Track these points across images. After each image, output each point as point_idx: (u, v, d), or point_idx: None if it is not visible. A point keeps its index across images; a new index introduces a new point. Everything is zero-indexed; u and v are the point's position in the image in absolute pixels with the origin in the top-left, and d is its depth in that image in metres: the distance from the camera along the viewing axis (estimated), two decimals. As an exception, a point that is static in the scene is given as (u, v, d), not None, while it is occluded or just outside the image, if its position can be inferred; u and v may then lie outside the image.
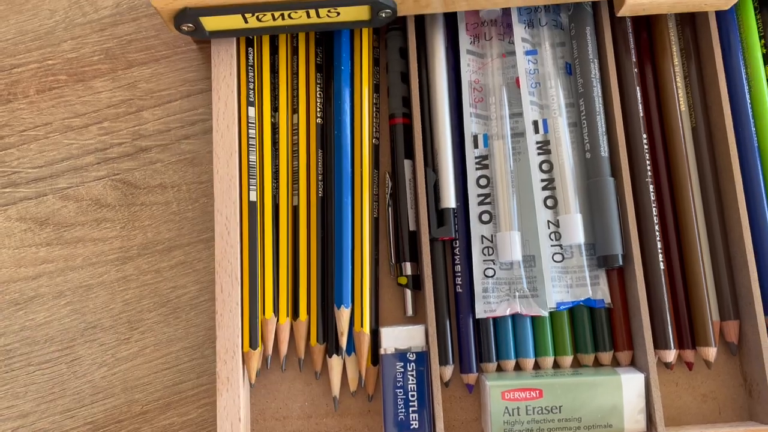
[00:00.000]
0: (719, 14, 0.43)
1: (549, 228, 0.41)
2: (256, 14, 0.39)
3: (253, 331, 0.39)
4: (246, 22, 0.40)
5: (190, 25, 0.40)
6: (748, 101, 0.42)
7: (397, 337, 0.40)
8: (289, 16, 0.40)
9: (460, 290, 0.41)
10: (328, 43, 0.45)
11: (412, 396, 0.39)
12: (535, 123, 0.42)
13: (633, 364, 0.41)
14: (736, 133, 0.42)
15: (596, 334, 0.41)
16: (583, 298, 0.40)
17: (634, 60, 0.43)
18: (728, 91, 0.43)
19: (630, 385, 0.38)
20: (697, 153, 0.43)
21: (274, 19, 0.40)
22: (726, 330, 0.41)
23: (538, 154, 0.42)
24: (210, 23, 0.40)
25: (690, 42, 0.44)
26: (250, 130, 0.42)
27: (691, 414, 0.41)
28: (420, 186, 0.41)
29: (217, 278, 0.39)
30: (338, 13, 0.40)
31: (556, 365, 0.41)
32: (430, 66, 0.43)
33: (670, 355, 0.40)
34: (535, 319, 0.41)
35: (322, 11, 0.40)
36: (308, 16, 0.40)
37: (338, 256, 0.41)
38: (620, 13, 0.40)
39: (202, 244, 0.44)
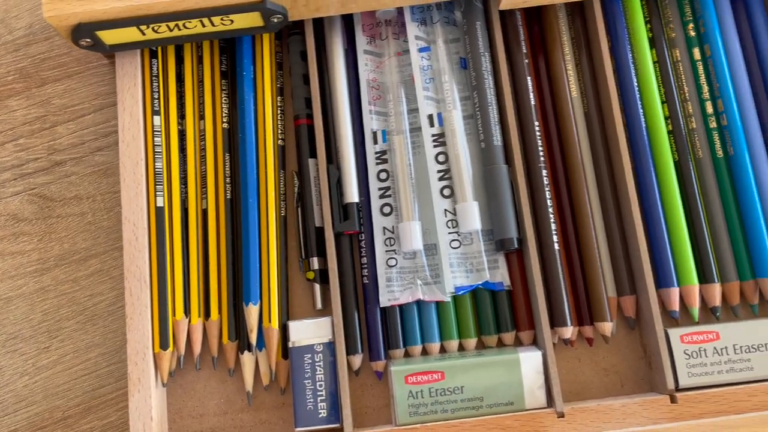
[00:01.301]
0: (606, 2, 0.45)
1: (446, 216, 0.42)
2: (151, 26, 0.41)
3: (163, 333, 0.41)
4: (143, 34, 0.42)
5: (88, 40, 0.41)
6: (635, 84, 0.44)
7: (305, 331, 0.41)
8: (184, 26, 0.41)
9: (366, 281, 0.43)
10: (233, 51, 0.46)
11: (321, 386, 0.40)
12: (430, 117, 0.44)
13: (535, 342, 0.42)
14: (626, 116, 0.44)
15: (498, 316, 0.42)
16: (481, 282, 0.42)
17: (525, 51, 0.45)
18: (617, 75, 0.44)
19: (528, 362, 0.40)
20: (591, 137, 0.44)
21: (170, 29, 0.41)
22: (624, 305, 0.42)
23: (434, 146, 0.43)
24: (108, 37, 0.42)
25: (580, 31, 0.46)
26: (155, 139, 0.43)
27: (594, 388, 0.42)
28: (323, 183, 0.42)
29: (126, 283, 0.40)
30: (232, 21, 0.42)
31: (461, 348, 0.42)
32: (330, 67, 0.45)
33: (568, 331, 0.41)
34: (439, 305, 0.42)
35: (216, 19, 0.41)
36: (203, 25, 0.42)
37: (245, 255, 0.42)
38: (502, 7, 0.42)
39: (117, 251, 0.45)
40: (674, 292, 0.41)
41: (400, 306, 0.42)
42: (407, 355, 0.42)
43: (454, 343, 0.42)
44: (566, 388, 0.42)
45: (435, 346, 0.42)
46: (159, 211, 0.42)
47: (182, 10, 0.40)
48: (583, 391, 0.42)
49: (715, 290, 0.41)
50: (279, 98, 0.46)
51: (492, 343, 0.42)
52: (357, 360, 0.42)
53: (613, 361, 0.43)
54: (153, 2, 0.39)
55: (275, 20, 0.42)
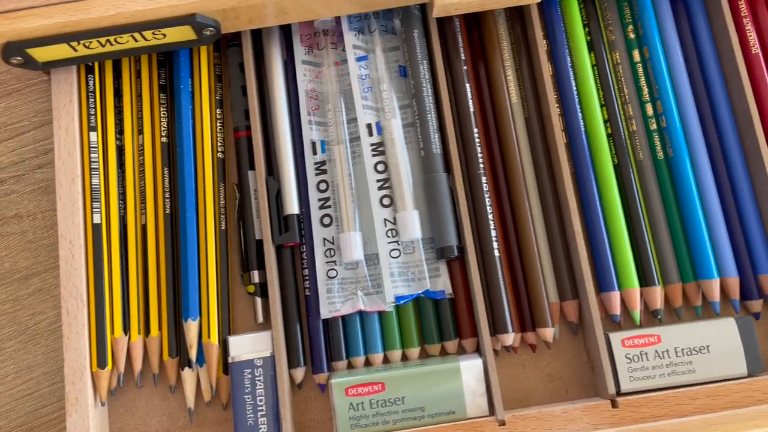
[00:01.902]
0: (544, 6, 0.45)
1: (386, 226, 0.42)
2: (82, 42, 0.40)
3: (101, 351, 0.40)
4: (75, 50, 0.41)
5: (19, 58, 0.41)
6: (574, 88, 0.44)
7: (244, 345, 0.41)
8: (116, 41, 0.41)
9: (308, 293, 0.42)
10: (172, 64, 0.46)
11: (261, 401, 0.40)
12: (369, 126, 0.43)
13: (478, 350, 0.42)
14: (565, 121, 0.44)
15: (441, 324, 0.42)
16: (422, 291, 0.42)
17: (464, 58, 0.44)
18: (556, 79, 0.44)
19: (468, 371, 0.39)
20: (531, 142, 0.44)
21: (102, 45, 0.41)
22: (566, 310, 0.42)
23: (373, 155, 0.43)
24: (40, 55, 0.41)
25: (520, 36, 0.46)
26: (92, 155, 0.43)
27: (538, 394, 0.42)
28: (261, 195, 0.42)
29: (63, 302, 0.40)
30: (164, 35, 0.41)
31: (404, 358, 0.42)
32: (268, 78, 0.45)
33: (510, 338, 0.41)
34: (382, 315, 0.42)
35: (147, 34, 0.41)
36: (135, 39, 0.41)
37: (184, 271, 0.42)
38: (435, 14, 0.41)
39: (58, 270, 0.44)
40: (615, 296, 0.41)
41: (343, 317, 0.42)
42: (350, 366, 0.42)
43: (396, 353, 0.42)
44: (511, 395, 0.42)
45: (378, 356, 0.42)
46: (96, 228, 0.42)
47: (111, 26, 0.40)
48: (528, 398, 0.42)
49: (656, 293, 0.41)
50: (218, 111, 0.45)
51: (435, 351, 0.42)
52: (299, 373, 0.41)
53: (557, 367, 0.42)
54: (80, 19, 0.39)
55: (208, 33, 0.41)
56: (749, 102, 0.42)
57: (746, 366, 0.39)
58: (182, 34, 0.41)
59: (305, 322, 0.42)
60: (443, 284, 0.42)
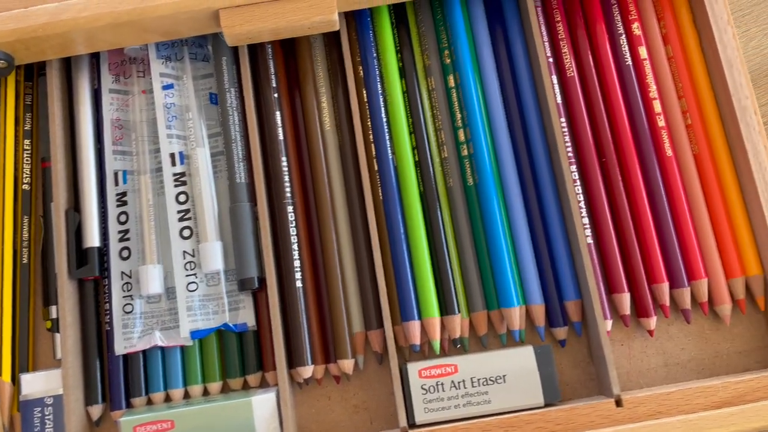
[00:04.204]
0: (358, 33, 0.45)
1: (185, 258, 0.42)
2: None
3: None
4: None
5: None
6: (383, 115, 0.44)
7: (36, 383, 0.40)
8: None
9: (108, 328, 0.42)
10: (-19, 94, 0.45)
11: (48, 440, 0.39)
12: (172, 155, 0.43)
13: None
14: (375, 147, 0.43)
15: (245, 357, 0.41)
16: (221, 324, 0.41)
17: (275, 85, 0.44)
18: (368, 106, 0.44)
19: (261, 405, 0.39)
20: (344, 170, 0.44)
21: None
22: (372, 339, 0.42)
23: (175, 185, 0.42)
24: None
25: (336, 63, 0.45)
26: None
27: (343, 426, 0.42)
28: (58, 228, 0.41)
29: None
30: (-45, 66, 0.40)
31: (206, 393, 0.41)
32: (75, 107, 0.44)
33: (308, 371, 0.40)
34: (184, 349, 0.41)
35: (-65, 65, 0.40)
36: (-76, 71, 0.40)
37: (-23, 307, 0.41)
38: (230, 43, 0.41)
39: None
40: (414, 325, 0.41)
41: (144, 352, 0.41)
42: (150, 402, 0.41)
43: (197, 389, 0.41)
44: (316, 427, 0.41)
45: (178, 392, 0.41)
46: None
47: None
48: (333, 429, 0.41)
49: (455, 322, 0.41)
50: (27, 141, 0.44)
51: (237, 385, 0.41)
52: (96, 411, 0.41)
53: (363, 398, 0.42)
54: None
55: (1, 66, 0.41)
56: (555, 127, 0.42)
57: (543, 396, 0.39)
58: (-27, 65, 0.41)
59: (105, 358, 0.41)
60: (245, 317, 0.41)
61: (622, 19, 0.45)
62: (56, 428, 0.39)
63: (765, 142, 0.41)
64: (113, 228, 0.42)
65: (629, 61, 0.44)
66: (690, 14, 0.45)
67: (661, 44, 0.44)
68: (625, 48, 0.44)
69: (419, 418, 0.39)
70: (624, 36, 0.44)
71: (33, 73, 0.45)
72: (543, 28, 0.45)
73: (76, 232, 0.42)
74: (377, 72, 0.44)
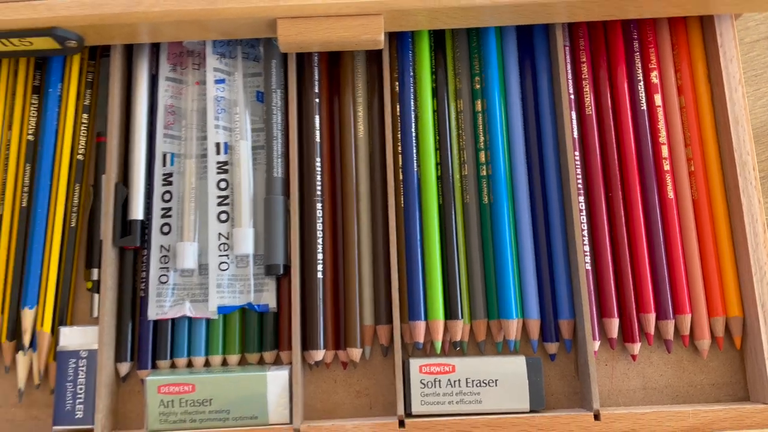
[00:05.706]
0: (398, 51, 0.49)
1: (219, 240, 0.46)
2: (-44, 41, 0.43)
3: (-63, 329, 0.43)
4: (-52, 48, 0.44)
5: None
6: (413, 130, 0.47)
7: (74, 337, 0.44)
8: (-12, 44, 0.44)
9: (143, 295, 0.46)
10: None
11: (81, 390, 0.43)
12: (218, 145, 0.47)
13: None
14: (403, 159, 0.47)
15: (263, 335, 0.46)
16: (245, 303, 0.45)
17: (317, 91, 0.48)
18: (400, 120, 0.48)
19: (274, 380, 0.43)
20: (371, 175, 0.47)
21: (-25, 45, 0.44)
22: (380, 333, 0.45)
23: (218, 173, 0.46)
24: None
25: (375, 76, 0.49)
26: (-44, 145, 0.46)
27: (345, 407, 0.45)
28: (107, 198, 0.45)
29: None
30: (31, 43, 0.44)
31: (225, 363, 0.46)
32: (132, 90, 0.48)
33: (319, 354, 0.44)
34: (210, 322, 0.45)
35: (15, 41, 0.44)
36: (4, 45, 0.44)
37: (27, 262, 0.45)
38: (282, 50, 0.45)
39: None
40: (420, 325, 0.45)
41: (172, 320, 0.45)
42: (173, 366, 0.45)
43: (218, 358, 0.45)
44: (320, 406, 0.45)
45: (200, 359, 0.45)
46: (-51, 214, 0.45)
47: (-23, 29, 0.43)
48: (334, 410, 0.45)
49: (458, 326, 0.45)
50: (85, 115, 0.48)
51: (254, 360, 0.45)
52: (125, 367, 0.45)
53: (366, 384, 0.46)
54: (-54, 20, 0.42)
55: (70, 45, 0.45)
56: (569, 159, 0.45)
57: (529, 402, 0.43)
58: (47, 43, 0.44)
59: (137, 321, 0.46)
60: (268, 299, 0.45)
61: (642, 67, 0.48)
62: (87, 379, 0.43)
63: (760, 196, 0.45)
64: (157, 204, 0.46)
65: (644, 107, 0.48)
66: (705, 69, 0.48)
67: (675, 94, 0.48)
68: (642, 94, 0.48)
69: (416, 408, 0.43)
70: (642, 83, 0.48)
71: (96, 54, 0.49)
72: (568, 67, 0.48)
73: (123, 204, 0.46)
74: (412, 89, 0.48)
